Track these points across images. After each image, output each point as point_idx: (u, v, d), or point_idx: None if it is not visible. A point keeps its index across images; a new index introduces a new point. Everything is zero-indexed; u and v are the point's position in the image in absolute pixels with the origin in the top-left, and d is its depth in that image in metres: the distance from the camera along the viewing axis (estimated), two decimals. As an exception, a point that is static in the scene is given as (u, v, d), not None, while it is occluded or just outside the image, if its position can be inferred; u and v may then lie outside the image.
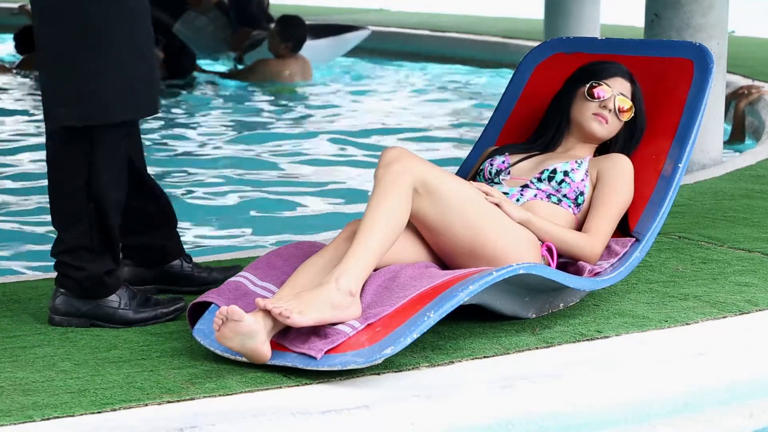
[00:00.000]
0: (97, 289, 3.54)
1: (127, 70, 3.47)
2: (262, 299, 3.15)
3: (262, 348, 3.11)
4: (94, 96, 3.44)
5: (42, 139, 8.46)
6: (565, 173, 3.78)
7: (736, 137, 7.86)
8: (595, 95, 3.88)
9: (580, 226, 3.81)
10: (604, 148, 3.97)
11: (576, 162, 3.82)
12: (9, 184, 7.08)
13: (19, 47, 11.23)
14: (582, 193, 3.79)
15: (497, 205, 3.57)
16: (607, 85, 3.88)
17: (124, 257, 3.84)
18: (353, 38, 11.85)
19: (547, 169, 3.80)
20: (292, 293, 3.24)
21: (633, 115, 3.90)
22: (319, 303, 3.16)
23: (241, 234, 6.01)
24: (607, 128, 3.89)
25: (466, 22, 13.93)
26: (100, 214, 3.50)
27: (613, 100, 3.88)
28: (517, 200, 3.75)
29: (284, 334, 3.19)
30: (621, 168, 3.81)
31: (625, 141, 3.93)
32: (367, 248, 3.27)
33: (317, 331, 3.18)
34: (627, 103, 3.89)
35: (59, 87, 3.46)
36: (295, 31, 10.63)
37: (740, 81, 8.86)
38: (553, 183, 3.78)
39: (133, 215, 3.74)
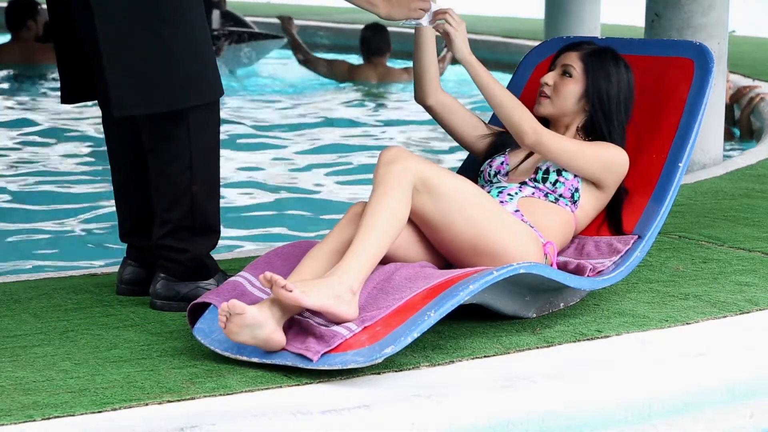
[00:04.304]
0: (199, 270, 3.68)
1: (201, 55, 3.59)
2: (268, 272, 3.15)
3: (274, 336, 3.12)
4: (173, 81, 3.56)
5: (43, 140, 8.48)
6: (558, 172, 3.77)
7: (745, 140, 7.88)
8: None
9: (579, 224, 3.81)
10: (593, 136, 3.92)
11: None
12: (11, 184, 7.08)
13: None
14: (577, 190, 3.78)
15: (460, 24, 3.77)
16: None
17: (128, 257, 3.86)
18: (270, 45, 11.94)
19: (541, 169, 3.80)
20: (298, 280, 3.25)
21: (567, 73, 3.88)
22: (321, 291, 3.18)
23: (240, 233, 6.01)
24: (549, 104, 3.89)
25: (466, 22, 13.90)
26: (201, 194, 3.64)
27: (548, 75, 3.91)
28: (516, 193, 3.75)
29: (283, 333, 3.19)
30: (613, 146, 3.79)
31: (595, 115, 3.87)
32: (367, 247, 3.28)
33: (314, 332, 3.18)
34: (560, 69, 3.91)
35: (132, 76, 3.54)
36: (365, 41, 11.17)
37: (740, 81, 8.86)
38: (548, 184, 3.77)
39: (140, 216, 3.77)
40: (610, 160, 3.77)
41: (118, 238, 3.89)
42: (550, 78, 3.90)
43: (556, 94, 3.88)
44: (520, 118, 3.71)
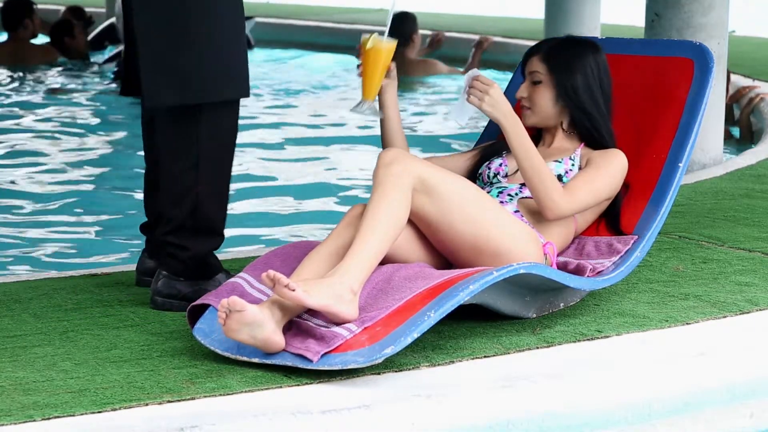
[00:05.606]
0: (200, 269, 3.66)
1: (227, 50, 3.57)
2: (271, 271, 3.15)
3: (274, 337, 3.12)
4: (196, 75, 3.54)
5: (39, 140, 8.48)
6: (559, 177, 3.76)
7: (745, 140, 7.86)
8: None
9: (579, 227, 3.81)
10: (590, 137, 3.90)
11: (570, 159, 3.81)
12: (8, 184, 7.08)
13: None
14: (578, 195, 3.78)
15: (486, 90, 3.55)
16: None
17: (146, 249, 3.88)
18: None
19: None
20: (299, 280, 3.25)
21: (535, 81, 3.85)
22: (323, 290, 3.18)
23: (240, 234, 6.01)
24: (531, 115, 3.87)
25: (466, 22, 13.93)
26: (205, 195, 3.62)
27: (522, 88, 3.88)
28: (516, 194, 3.75)
29: (282, 335, 3.20)
30: (613, 157, 3.78)
31: (574, 112, 3.84)
32: (368, 248, 3.28)
33: (314, 333, 3.18)
34: (528, 79, 3.87)
35: (160, 67, 3.54)
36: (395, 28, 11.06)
37: (740, 81, 8.86)
38: (548, 187, 3.76)
39: (154, 211, 3.80)
40: (617, 177, 3.77)
41: (138, 229, 3.94)
42: (523, 90, 3.88)
43: (533, 104, 3.87)
44: (545, 191, 3.61)
